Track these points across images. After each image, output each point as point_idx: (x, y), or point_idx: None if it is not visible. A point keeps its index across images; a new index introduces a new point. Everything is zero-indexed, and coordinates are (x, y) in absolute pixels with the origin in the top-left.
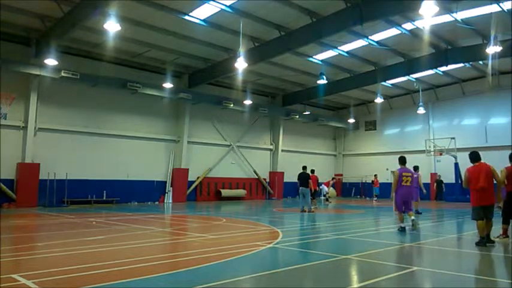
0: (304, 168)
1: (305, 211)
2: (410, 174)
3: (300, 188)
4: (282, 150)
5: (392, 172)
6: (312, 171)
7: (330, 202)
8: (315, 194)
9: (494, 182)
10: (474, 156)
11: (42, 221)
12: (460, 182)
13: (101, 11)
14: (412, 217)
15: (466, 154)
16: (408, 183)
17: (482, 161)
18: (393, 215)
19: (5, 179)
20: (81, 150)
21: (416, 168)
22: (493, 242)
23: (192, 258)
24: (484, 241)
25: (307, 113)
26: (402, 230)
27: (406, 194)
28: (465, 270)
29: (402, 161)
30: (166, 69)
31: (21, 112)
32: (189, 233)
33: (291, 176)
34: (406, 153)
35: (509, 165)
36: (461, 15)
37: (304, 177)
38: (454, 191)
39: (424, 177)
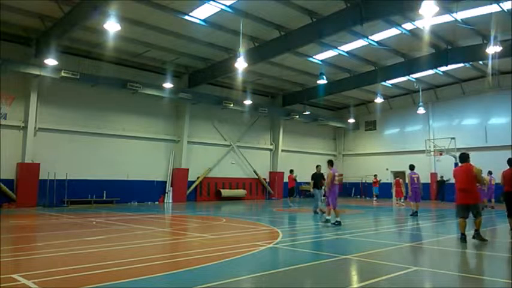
0: (318, 167)
1: (317, 212)
2: (339, 174)
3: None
4: (282, 150)
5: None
6: (291, 171)
7: None
8: (293, 193)
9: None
10: (462, 157)
11: (42, 221)
12: None
13: (101, 11)
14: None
15: None
16: (338, 182)
17: (468, 163)
18: (393, 215)
19: (5, 179)
20: (81, 150)
21: (412, 167)
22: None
23: (192, 258)
24: (464, 237)
25: (307, 113)
26: (338, 223)
27: (337, 191)
28: (465, 270)
29: (331, 163)
30: (166, 69)
31: (21, 112)
32: (189, 233)
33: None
34: (406, 154)
35: (507, 168)
36: (461, 15)
37: (317, 178)
38: (454, 190)
39: (425, 177)
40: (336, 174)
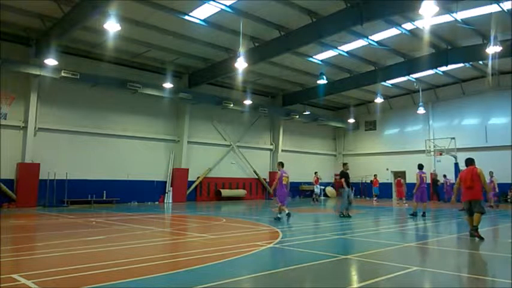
0: (345, 165)
1: (344, 215)
2: (287, 175)
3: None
4: (282, 150)
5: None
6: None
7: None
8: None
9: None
10: (467, 162)
11: (42, 221)
12: None
13: (100, 11)
14: (287, 210)
15: (466, 154)
16: (286, 183)
17: (473, 166)
18: (392, 215)
19: (5, 179)
20: (81, 150)
21: (421, 166)
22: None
23: (192, 258)
24: (473, 230)
25: (307, 113)
26: (278, 219)
27: (286, 191)
28: (465, 270)
29: (282, 164)
30: (166, 69)
31: (21, 112)
32: (189, 233)
33: (291, 176)
34: (406, 154)
35: None
36: (461, 15)
37: (347, 176)
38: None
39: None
40: (284, 175)
